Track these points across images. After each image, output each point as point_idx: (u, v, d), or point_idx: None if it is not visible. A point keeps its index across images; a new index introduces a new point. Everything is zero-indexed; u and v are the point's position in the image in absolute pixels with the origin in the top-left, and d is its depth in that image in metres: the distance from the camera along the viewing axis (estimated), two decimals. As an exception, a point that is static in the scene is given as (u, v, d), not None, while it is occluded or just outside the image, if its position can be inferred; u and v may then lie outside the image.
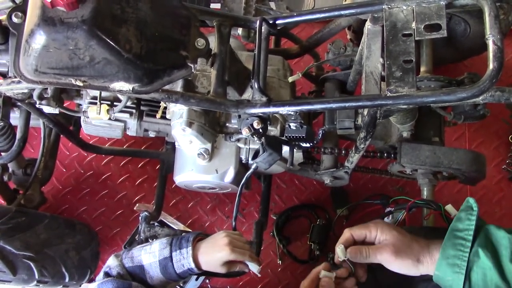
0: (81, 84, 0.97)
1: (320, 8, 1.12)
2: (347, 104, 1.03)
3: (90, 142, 1.75)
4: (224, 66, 1.12)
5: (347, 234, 1.14)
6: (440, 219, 1.24)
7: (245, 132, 1.09)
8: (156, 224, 1.54)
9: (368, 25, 1.13)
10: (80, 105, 1.39)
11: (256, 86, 1.07)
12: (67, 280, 1.50)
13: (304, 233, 1.72)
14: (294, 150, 1.33)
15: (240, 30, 1.39)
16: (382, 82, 1.06)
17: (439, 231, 1.10)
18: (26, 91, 1.20)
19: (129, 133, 1.46)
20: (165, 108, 1.36)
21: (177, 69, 1.01)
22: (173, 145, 1.55)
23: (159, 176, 1.64)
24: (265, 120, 1.09)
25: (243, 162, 1.42)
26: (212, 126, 1.34)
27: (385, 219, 1.37)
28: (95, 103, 1.27)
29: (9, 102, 1.30)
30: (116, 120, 1.40)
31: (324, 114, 1.37)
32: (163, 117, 1.36)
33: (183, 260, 1.17)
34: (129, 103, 1.33)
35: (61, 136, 1.60)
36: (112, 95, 1.33)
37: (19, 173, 1.58)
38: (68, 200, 1.81)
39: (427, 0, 0.99)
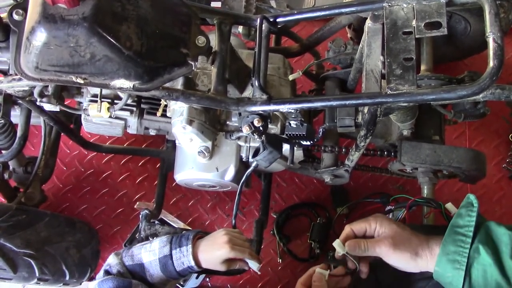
0: (82, 82, 0.97)
1: (321, 6, 1.12)
2: (347, 102, 1.03)
3: (91, 140, 1.75)
4: (224, 64, 1.12)
5: (347, 229, 1.15)
6: (440, 218, 1.24)
7: (245, 130, 1.09)
8: (156, 222, 1.54)
9: (368, 23, 1.13)
10: (81, 103, 1.39)
11: (256, 84, 1.07)
12: (67, 278, 1.50)
13: (304, 232, 1.72)
14: (295, 148, 1.33)
15: (240, 28, 1.38)
16: (382, 80, 1.07)
17: (439, 229, 1.10)
18: (27, 88, 1.20)
19: (129, 131, 1.46)
20: (166, 106, 1.35)
21: (178, 67, 1.01)
22: (173, 143, 1.55)
23: (160, 174, 1.64)
24: (265, 118, 1.09)
25: (243, 160, 1.42)
26: (213, 124, 1.34)
27: (386, 217, 1.38)
28: (96, 101, 1.27)
29: (10, 100, 1.31)
30: (117, 118, 1.40)
31: (325, 112, 1.37)
32: (164, 115, 1.36)
33: (183, 258, 1.17)
34: (129, 101, 1.33)
35: (62, 134, 1.60)
36: (113, 93, 1.33)
37: (19, 171, 1.58)
38: (69, 198, 1.81)
39: (427, -2, 0.99)
